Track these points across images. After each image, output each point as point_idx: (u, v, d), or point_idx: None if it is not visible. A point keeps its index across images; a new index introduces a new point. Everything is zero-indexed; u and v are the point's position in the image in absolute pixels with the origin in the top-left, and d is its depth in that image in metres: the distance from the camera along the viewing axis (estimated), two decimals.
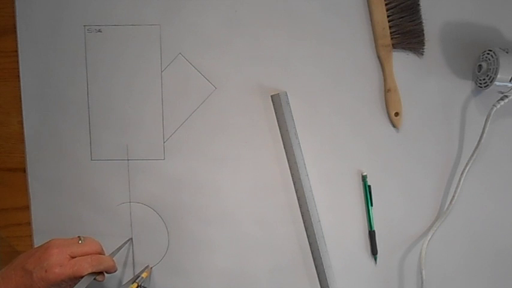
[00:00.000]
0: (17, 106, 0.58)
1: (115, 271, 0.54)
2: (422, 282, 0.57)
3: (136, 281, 0.55)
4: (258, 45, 0.56)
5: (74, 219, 0.59)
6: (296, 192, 0.57)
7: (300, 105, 0.57)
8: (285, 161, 0.57)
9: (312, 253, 0.57)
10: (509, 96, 0.53)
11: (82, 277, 0.50)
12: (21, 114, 0.58)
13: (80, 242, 0.52)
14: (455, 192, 0.56)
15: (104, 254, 0.54)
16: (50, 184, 0.58)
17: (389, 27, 0.55)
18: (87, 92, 0.57)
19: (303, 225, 0.57)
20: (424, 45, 0.56)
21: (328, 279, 0.57)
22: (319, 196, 0.57)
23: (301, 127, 0.57)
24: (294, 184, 0.57)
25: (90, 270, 0.50)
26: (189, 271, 0.59)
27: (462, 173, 0.56)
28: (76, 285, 0.49)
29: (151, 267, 0.58)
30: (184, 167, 0.58)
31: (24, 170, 0.59)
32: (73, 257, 0.50)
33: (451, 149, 0.57)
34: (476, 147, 0.55)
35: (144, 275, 0.57)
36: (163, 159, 0.58)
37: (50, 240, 0.51)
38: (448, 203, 0.57)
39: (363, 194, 0.58)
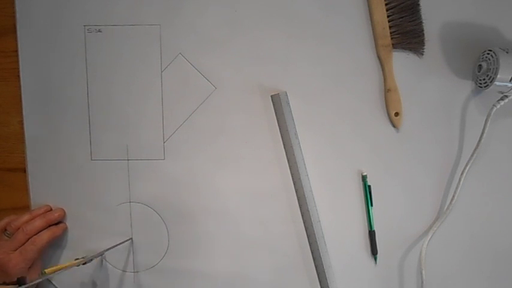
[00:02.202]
0: (17, 106, 0.58)
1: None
2: (422, 282, 0.57)
3: (84, 256, 0.54)
4: (258, 45, 0.56)
5: (74, 219, 0.59)
6: (296, 192, 0.57)
7: (300, 105, 0.57)
8: (285, 161, 0.57)
9: (312, 253, 0.57)
10: (509, 96, 0.53)
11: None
12: (21, 114, 0.58)
13: (6, 236, 0.54)
14: (455, 192, 0.56)
15: (38, 222, 0.55)
16: (50, 184, 0.58)
17: (390, 27, 0.55)
18: (87, 92, 0.57)
19: (303, 225, 0.57)
20: (424, 45, 0.56)
21: (328, 279, 0.57)
22: (319, 196, 0.57)
23: (301, 127, 0.57)
24: (294, 184, 0.57)
25: (37, 250, 0.53)
26: (189, 271, 0.59)
27: (462, 173, 0.56)
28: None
29: (105, 255, 0.58)
30: (184, 167, 0.58)
31: (24, 170, 0.58)
32: (15, 250, 0.53)
33: (451, 149, 0.57)
34: (476, 147, 0.55)
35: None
36: (163, 159, 0.58)
37: None
38: (448, 203, 0.57)
39: (363, 194, 0.58)
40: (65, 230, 0.58)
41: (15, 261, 0.52)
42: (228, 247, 0.58)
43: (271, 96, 0.57)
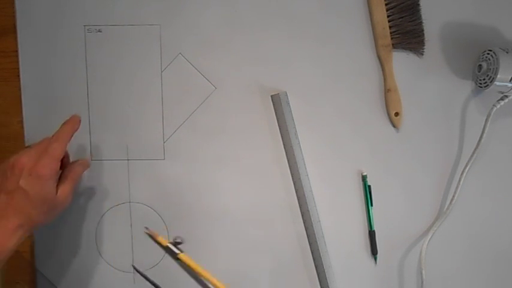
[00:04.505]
0: (17, 106, 0.58)
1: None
2: (422, 282, 0.57)
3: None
4: (258, 45, 0.56)
5: (73, 219, 0.59)
6: (296, 192, 0.57)
7: (300, 105, 0.57)
8: (285, 161, 0.57)
9: (312, 253, 0.57)
10: (509, 96, 0.53)
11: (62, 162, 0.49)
12: (21, 114, 0.58)
13: (27, 146, 0.51)
14: (455, 192, 0.56)
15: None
16: None
17: (390, 27, 0.55)
18: (87, 92, 0.57)
19: (303, 225, 0.57)
20: (424, 45, 0.56)
21: (328, 279, 0.57)
22: (319, 196, 0.57)
23: (301, 127, 0.57)
24: (294, 184, 0.57)
25: (62, 142, 0.48)
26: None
27: (462, 173, 0.56)
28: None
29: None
30: (184, 167, 0.58)
31: None
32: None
33: (451, 149, 0.57)
34: (476, 147, 0.55)
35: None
36: (163, 159, 0.58)
37: (3, 166, 0.47)
38: (448, 203, 0.57)
39: (363, 194, 0.58)
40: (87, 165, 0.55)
41: (44, 162, 0.46)
42: (227, 247, 0.58)
43: (271, 96, 0.57)
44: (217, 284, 0.56)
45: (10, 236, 0.44)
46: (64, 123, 0.50)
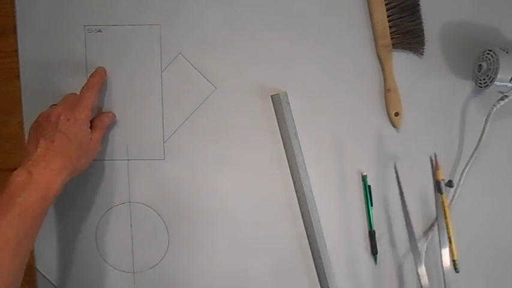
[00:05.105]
0: (17, 106, 0.58)
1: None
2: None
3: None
4: (258, 45, 0.56)
5: (73, 220, 0.59)
6: (296, 192, 0.57)
7: (300, 105, 0.57)
8: (285, 161, 0.57)
9: (312, 253, 0.57)
10: (509, 96, 0.53)
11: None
12: (21, 114, 0.58)
13: (53, 105, 0.53)
14: (455, 192, 0.56)
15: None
16: None
17: (390, 27, 0.55)
18: None
19: (303, 225, 0.57)
20: (424, 45, 0.56)
21: (328, 279, 0.57)
22: (319, 196, 0.57)
23: (301, 127, 0.57)
24: (294, 184, 0.57)
25: (93, 92, 0.52)
26: (188, 271, 0.59)
27: (462, 173, 0.56)
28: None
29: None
30: (184, 167, 0.58)
31: None
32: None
33: (451, 149, 0.57)
34: (476, 147, 0.55)
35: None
36: (163, 159, 0.58)
37: (37, 120, 0.51)
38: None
39: (363, 194, 0.58)
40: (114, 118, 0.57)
41: (79, 108, 0.50)
42: (228, 247, 0.58)
43: (271, 96, 0.57)
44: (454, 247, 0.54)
45: (55, 177, 0.47)
46: (91, 76, 0.54)
